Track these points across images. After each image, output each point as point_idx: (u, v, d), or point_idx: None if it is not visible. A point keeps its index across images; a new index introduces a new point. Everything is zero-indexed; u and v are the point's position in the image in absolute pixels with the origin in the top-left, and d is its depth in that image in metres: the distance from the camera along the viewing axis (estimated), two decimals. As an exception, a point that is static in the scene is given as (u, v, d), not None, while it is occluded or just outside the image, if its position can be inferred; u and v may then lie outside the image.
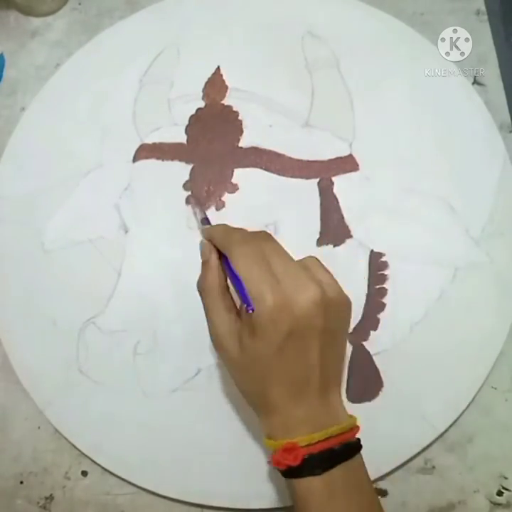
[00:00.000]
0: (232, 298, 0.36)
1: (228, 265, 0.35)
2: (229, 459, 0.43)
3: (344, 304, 0.35)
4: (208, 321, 0.36)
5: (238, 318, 0.35)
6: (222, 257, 0.36)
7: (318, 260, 0.36)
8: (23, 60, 0.54)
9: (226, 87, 0.50)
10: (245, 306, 0.33)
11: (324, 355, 0.34)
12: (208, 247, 0.37)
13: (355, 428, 0.35)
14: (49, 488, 0.44)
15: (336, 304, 0.34)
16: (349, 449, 0.34)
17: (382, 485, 0.43)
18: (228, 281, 0.36)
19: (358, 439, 0.35)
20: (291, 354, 0.33)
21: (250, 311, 0.33)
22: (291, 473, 0.33)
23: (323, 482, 0.33)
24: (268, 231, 0.36)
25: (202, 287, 0.37)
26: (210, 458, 0.43)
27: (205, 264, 0.37)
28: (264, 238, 0.35)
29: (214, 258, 0.37)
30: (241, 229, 0.37)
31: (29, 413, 0.45)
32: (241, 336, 0.34)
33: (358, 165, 0.48)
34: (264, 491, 0.42)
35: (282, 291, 0.32)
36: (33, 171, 0.50)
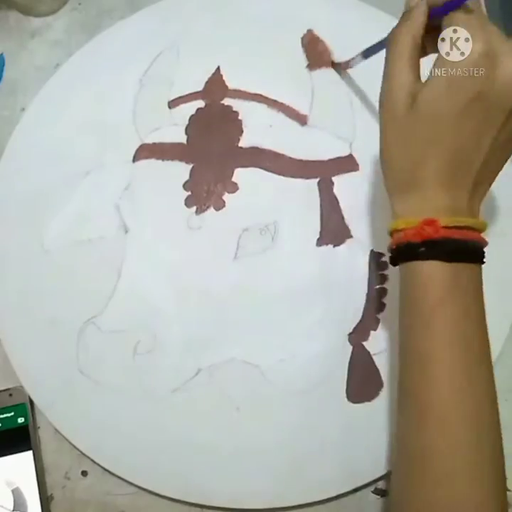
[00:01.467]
0: (418, 63, 0.33)
1: (436, 11, 0.32)
2: (229, 459, 0.43)
3: None
4: (385, 73, 0.32)
5: (419, 81, 0.32)
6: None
7: None
8: (23, 60, 0.54)
9: (226, 87, 0.50)
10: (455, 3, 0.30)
11: (495, 147, 0.32)
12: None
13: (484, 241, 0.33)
14: (49, 488, 0.44)
15: None
16: (481, 252, 0.33)
17: (382, 485, 0.43)
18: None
19: (486, 246, 0.33)
20: (470, 123, 0.30)
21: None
22: (416, 254, 0.31)
23: (450, 271, 0.31)
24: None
25: (394, 36, 0.33)
26: (210, 458, 0.43)
27: (406, 13, 0.33)
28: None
29: (421, 7, 0.32)
30: None
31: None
32: (418, 91, 0.31)
33: (358, 165, 0.48)
34: (264, 491, 0.42)
35: (494, 49, 0.30)
36: (33, 171, 0.50)
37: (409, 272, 0.33)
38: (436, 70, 0.31)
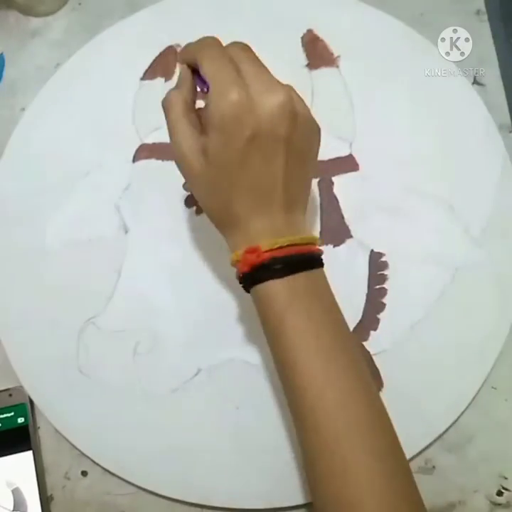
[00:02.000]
0: (197, 117, 0.36)
1: (199, 77, 0.34)
2: (229, 459, 0.43)
3: (312, 123, 0.35)
4: (171, 138, 0.35)
5: (202, 135, 0.34)
6: (195, 74, 0.35)
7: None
8: (23, 60, 0.54)
9: (226, 87, 0.50)
10: (201, 83, 0.33)
11: (289, 170, 0.34)
12: (181, 67, 0.36)
13: (317, 243, 0.36)
14: (49, 488, 0.44)
15: (304, 119, 0.34)
16: (312, 260, 0.35)
17: (382, 485, 0.43)
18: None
19: (320, 253, 0.36)
20: (255, 160, 0.33)
21: (205, 89, 0.32)
22: (253, 279, 0.34)
23: (285, 285, 0.33)
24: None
25: (167, 102, 0.35)
26: (210, 458, 0.43)
27: (178, 81, 0.36)
28: (240, 47, 0.35)
29: (185, 71, 0.36)
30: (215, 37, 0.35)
31: (29, 413, 0.46)
32: (206, 148, 0.33)
33: (358, 165, 0.48)
34: (264, 491, 0.42)
35: (247, 91, 0.32)
36: (33, 171, 0.50)
37: (254, 297, 0.35)
38: (206, 125, 0.33)
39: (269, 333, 0.35)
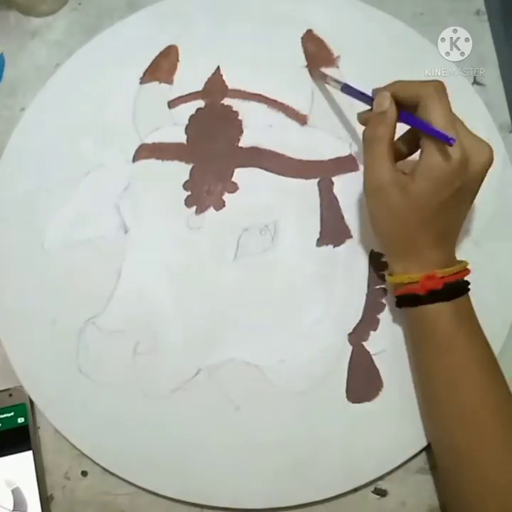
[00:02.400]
0: (393, 156, 0.39)
1: (406, 116, 0.38)
2: (229, 459, 0.43)
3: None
4: (370, 169, 0.39)
5: (400, 173, 0.38)
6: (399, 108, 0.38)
7: None
8: (23, 60, 0.54)
9: (226, 87, 0.50)
10: (445, 138, 0.35)
11: (466, 212, 0.40)
12: (388, 98, 0.39)
13: (468, 267, 0.41)
14: (49, 488, 0.44)
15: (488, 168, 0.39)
16: (467, 284, 0.40)
17: (382, 485, 0.43)
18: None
19: (467, 280, 0.41)
20: (452, 208, 0.38)
21: (451, 142, 0.35)
22: (421, 301, 0.39)
23: (454, 307, 0.39)
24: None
25: (373, 135, 0.39)
26: (210, 458, 0.43)
27: (381, 114, 0.38)
28: (443, 89, 0.38)
29: (393, 109, 0.38)
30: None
31: (29, 413, 0.46)
32: (406, 184, 0.37)
33: (358, 165, 0.48)
34: (264, 490, 0.42)
35: (465, 149, 0.36)
36: (33, 171, 0.50)
37: (416, 315, 0.40)
38: (421, 171, 0.37)
39: (431, 350, 0.40)
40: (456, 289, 0.39)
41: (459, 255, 0.42)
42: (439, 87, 0.37)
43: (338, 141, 0.48)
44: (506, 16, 0.51)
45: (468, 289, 0.40)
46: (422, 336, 0.40)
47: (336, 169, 0.48)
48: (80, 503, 0.44)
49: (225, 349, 0.45)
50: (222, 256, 0.46)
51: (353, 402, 0.43)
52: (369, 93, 0.41)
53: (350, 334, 0.44)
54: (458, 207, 0.39)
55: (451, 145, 0.35)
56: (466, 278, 0.40)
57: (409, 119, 0.38)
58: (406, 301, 0.41)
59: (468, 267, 0.41)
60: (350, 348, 0.44)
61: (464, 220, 0.41)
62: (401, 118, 0.38)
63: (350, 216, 0.47)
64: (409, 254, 0.40)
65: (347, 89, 0.45)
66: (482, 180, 0.39)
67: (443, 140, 0.35)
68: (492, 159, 0.38)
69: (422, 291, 0.39)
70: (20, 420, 0.44)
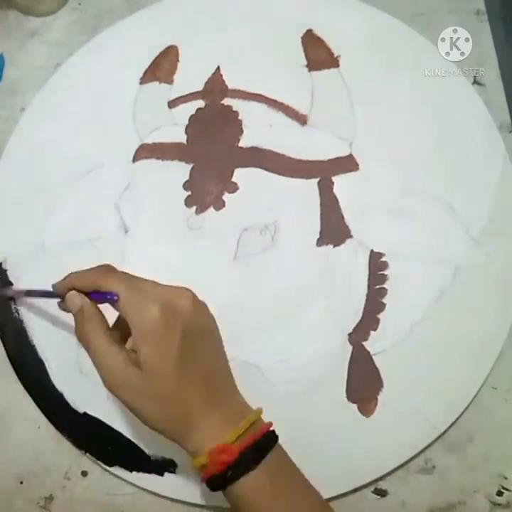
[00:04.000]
0: (115, 333, 0.36)
1: (95, 294, 0.35)
2: (229, 459, 0.43)
3: (206, 305, 0.37)
4: (99, 368, 0.34)
5: (127, 351, 0.35)
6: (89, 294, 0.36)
7: None
8: (23, 60, 0.54)
9: (226, 87, 0.50)
10: (110, 297, 0.34)
11: (219, 354, 0.36)
12: (77, 296, 0.36)
13: (262, 413, 0.36)
14: (49, 489, 0.44)
15: (205, 305, 0.36)
16: (270, 438, 0.35)
17: (382, 485, 0.43)
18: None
19: (270, 424, 0.36)
20: (194, 353, 0.34)
21: (115, 298, 0.33)
22: (227, 479, 0.33)
23: (263, 472, 0.33)
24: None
25: (83, 336, 0.35)
26: (210, 458, 0.43)
27: (79, 313, 0.36)
28: (127, 276, 0.36)
29: (86, 303, 0.36)
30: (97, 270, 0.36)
31: (29, 413, 0.45)
32: (140, 362, 0.33)
33: (358, 165, 0.48)
34: (264, 491, 0.42)
35: (160, 297, 0.34)
36: (33, 171, 0.50)
37: (233, 494, 0.34)
38: (135, 339, 0.34)
39: None
40: (259, 450, 0.33)
41: (459, 255, 0.42)
42: (108, 267, 0.36)
43: (338, 141, 0.48)
44: (506, 16, 0.51)
45: (276, 440, 0.35)
46: None
47: (336, 169, 0.48)
48: (80, 503, 0.44)
49: (225, 349, 0.44)
50: (223, 256, 0.46)
51: (353, 402, 0.43)
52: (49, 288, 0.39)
53: (350, 334, 0.44)
54: (204, 351, 0.35)
55: (115, 301, 0.33)
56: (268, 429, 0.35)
57: (95, 297, 0.36)
58: (215, 484, 0.34)
59: (260, 413, 0.36)
60: (350, 348, 0.44)
61: (224, 362, 0.36)
62: (94, 298, 0.36)
63: (350, 216, 0.47)
64: (188, 431, 0.34)
65: (28, 293, 0.43)
66: (200, 316, 0.35)
67: (111, 300, 0.34)
68: (193, 296, 0.35)
69: (219, 469, 0.33)
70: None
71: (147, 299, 0.33)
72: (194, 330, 0.34)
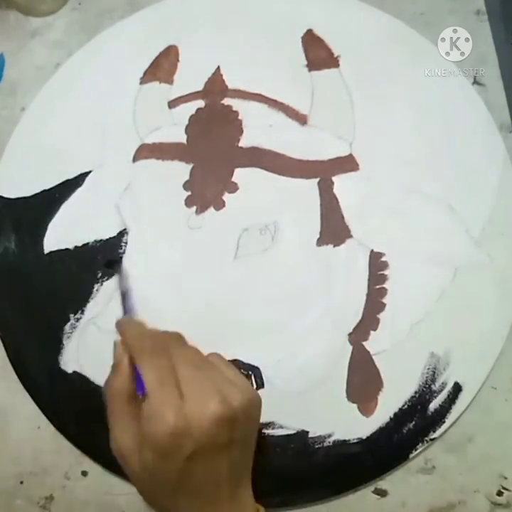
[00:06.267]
0: (139, 407, 0.33)
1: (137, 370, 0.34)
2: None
3: (252, 407, 0.34)
4: (110, 426, 0.34)
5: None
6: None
7: (221, 358, 0.36)
8: (23, 60, 0.54)
9: (226, 87, 0.50)
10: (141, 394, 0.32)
11: (233, 465, 0.33)
12: (121, 350, 0.35)
13: None
14: (49, 488, 0.44)
15: (242, 412, 0.33)
16: None
17: (382, 485, 0.43)
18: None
19: None
20: (198, 472, 0.32)
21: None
22: None
23: None
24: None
25: (109, 391, 0.34)
26: (210, 458, 0.43)
27: (116, 366, 0.35)
28: (175, 345, 0.35)
29: (125, 363, 0.35)
30: (153, 333, 0.36)
31: (29, 413, 0.45)
32: (141, 450, 0.32)
33: (358, 165, 0.48)
34: (263, 490, 0.42)
35: (183, 410, 0.31)
36: (33, 171, 0.50)
37: None
38: (145, 444, 0.32)
39: None
40: None
41: (459, 255, 0.42)
42: (153, 345, 0.34)
43: (338, 141, 0.48)
44: (506, 16, 0.51)
45: None
46: None
47: (336, 169, 0.48)
48: (80, 503, 0.44)
49: (225, 349, 0.44)
50: (223, 256, 0.46)
51: (353, 402, 0.43)
52: None
53: (350, 334, 0.44)
54: (213, 468, 0.32)
55: (142, 396, 0.32)
56: None
57: (138, 374, 0.34)
58: None
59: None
60: (350, 348, 0.44)
61: (238, 468, 0.34)
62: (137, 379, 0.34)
63: (350, 216, 0.47)
64: None
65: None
66: (224, 434, 0.32)
67: (141, 388, 0.32)
68: (220, 411, 0.31)
69: None
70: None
71: (168, 405, 0.31)
72: (207, 450, 0.32)
